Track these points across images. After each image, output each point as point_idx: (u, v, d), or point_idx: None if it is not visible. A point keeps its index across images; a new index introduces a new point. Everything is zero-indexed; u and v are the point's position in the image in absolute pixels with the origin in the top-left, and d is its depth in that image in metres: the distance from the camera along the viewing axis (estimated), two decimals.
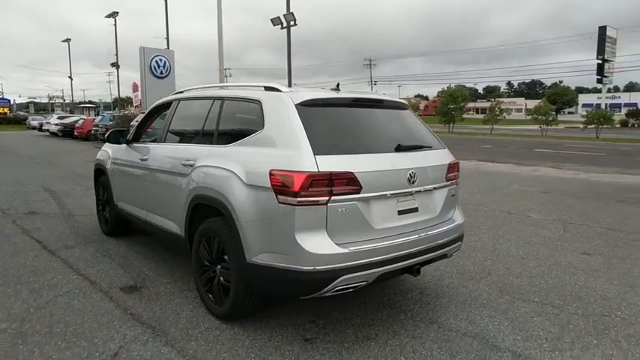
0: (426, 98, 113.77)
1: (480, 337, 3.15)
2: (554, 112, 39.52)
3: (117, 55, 44.03)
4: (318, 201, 2.74)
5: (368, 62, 79.94)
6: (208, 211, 3.41)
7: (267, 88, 3.38)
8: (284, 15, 21.75)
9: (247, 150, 3.15)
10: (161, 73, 21.89)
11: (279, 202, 2.79)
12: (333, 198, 2.76)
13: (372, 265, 2.88)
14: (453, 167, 3.58)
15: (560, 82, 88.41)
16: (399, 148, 3.21)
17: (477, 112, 76.13)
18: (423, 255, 3.18)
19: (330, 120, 3.12)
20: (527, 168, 13.37)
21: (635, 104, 61.41)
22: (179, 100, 4.32)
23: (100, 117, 24.55)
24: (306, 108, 3.05)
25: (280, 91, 3.26)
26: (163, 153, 4.13)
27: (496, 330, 3.25)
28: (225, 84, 4.07)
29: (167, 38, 28.43)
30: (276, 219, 2.81)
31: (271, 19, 21.85)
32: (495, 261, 4.76)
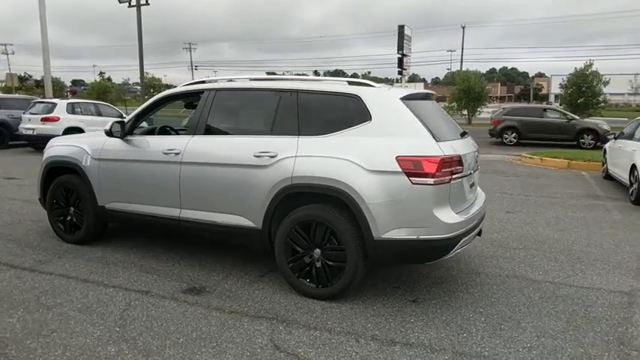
0: None
1: (517, 276, 4.14)
2: None
3: None
4: (445, 180, 3.27)
5: (187, 46, 76.42)
6: (304, 199, 3.54)
7: (352, 83, 3.68)
8: None
9: (356, 139, 3.42)
10: None
11: (412, 184, 3.21)
12: (453, 177, 3.33)
13: (472, 229, 3.57)
14: None
15: (369, 72, 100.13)
16: (463, 135, 3.92)
17: None
18: (483, 219, 4.00)
19: (421, 112, 3.61)
20: None
21: None
22: (215, 90, 4.11)
23: None
24: (406, 102, 3.50)
25: (373, 86, 3.62)
26: (214, 145, 3.93)
27: (522, 270, 4.29)
28: (281, 77, 4.06)
29: None
30: (410, 198, 3.22)
31: None
32: None
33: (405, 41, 48.65)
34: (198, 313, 3.33)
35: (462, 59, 45.66)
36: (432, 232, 3.23)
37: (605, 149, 9.45)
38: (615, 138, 8.82)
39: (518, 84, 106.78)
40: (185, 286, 3.83)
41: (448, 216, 3.29)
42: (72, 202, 4.83)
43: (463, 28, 46.83)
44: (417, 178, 3.21)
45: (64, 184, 4.85)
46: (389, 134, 3.37)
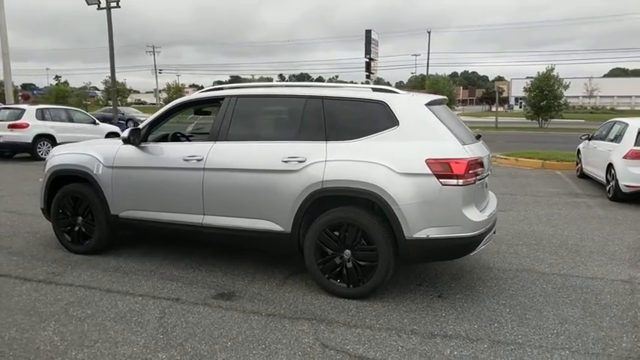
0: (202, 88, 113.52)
1: (527, 270, 4.39)
2: None
3: None
4: (471, 181, 3.46)
5: (150, 49, 74.61)
6: (332, 202, 3.65)
7: (377, 90, 3.83)
8: None
9: (385, 144, 3.56)
10: None
11: (442, 185, 3.38)
12: (477, 177, 3.53)
13: (492, 226, 3.78)
14: None
15: (336, 76, 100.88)
16: (479, 138, 4.14)
17: None
18: (496, 217, 4.23)
19: (443, 116, 3.79)
20: None
21: None
22: (236, 96, 4.15)
23: None
24: (430, 107, 3.68)
25: (398, 93, 3.78)
26: (239, 151, 3.97)
27: (529, 264, 4.55)
28: (305, 83, 4.16)
29: None
30: (441, 199, 3.40)
31: None
32: None
33: (372, 45, 49.41)
34: (237, 318, 3.38)
35: (428, 63, 46.86)
36: (461, 230, 3.42)
37: (578, 149, 10.02)
38: (589, 139, 9.38)
39: (479, 87, 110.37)
40: (214, 292, 3.85)
41: (475, 215, 3.49)
42: (80, 212, 4.74)
43: (429, 33, 48.11)
44: (447, 180, 3.39)
45: (71, 194, 4.74)
46: (416, 138, 3.54)
